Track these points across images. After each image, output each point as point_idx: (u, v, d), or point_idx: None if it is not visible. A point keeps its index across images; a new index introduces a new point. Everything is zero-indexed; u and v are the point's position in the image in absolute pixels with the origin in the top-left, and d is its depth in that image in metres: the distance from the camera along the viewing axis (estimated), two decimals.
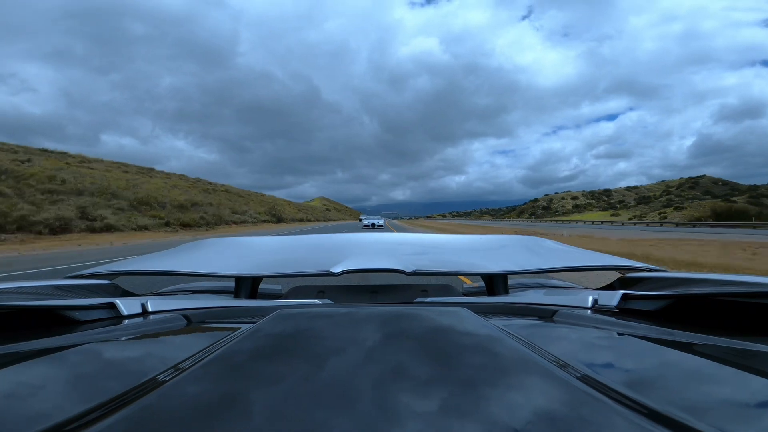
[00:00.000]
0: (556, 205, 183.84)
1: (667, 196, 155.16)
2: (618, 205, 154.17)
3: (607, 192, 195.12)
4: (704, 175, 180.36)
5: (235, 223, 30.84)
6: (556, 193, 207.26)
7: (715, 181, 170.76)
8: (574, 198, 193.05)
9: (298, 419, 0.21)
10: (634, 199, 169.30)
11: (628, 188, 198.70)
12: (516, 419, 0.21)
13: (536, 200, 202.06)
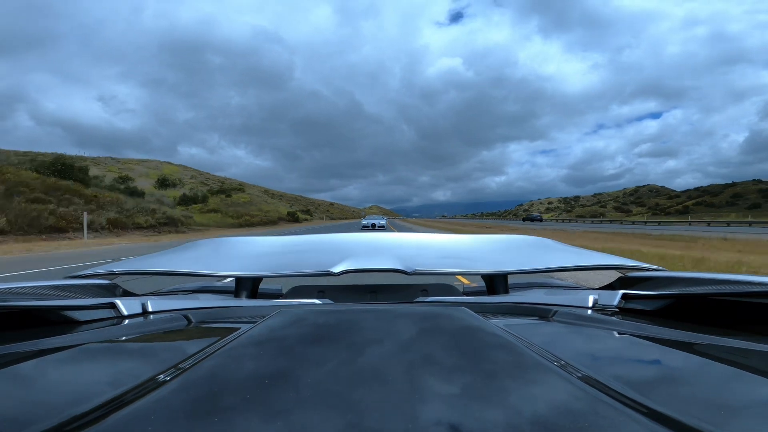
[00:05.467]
0: (534, 209, 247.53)
1: (614, 201, 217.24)
2: (577, 209, 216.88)
3: (576, 198, 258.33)
4: (647, 185, 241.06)
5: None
6: (538, 199, 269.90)
7: (651, 189, 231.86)
8: (550, 203, 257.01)
9: (302, 419, 0.21)
10: (593, 204, 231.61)
11: (594, 194, 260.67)
12: (515, 418, 0.21)
13: (521, 204, 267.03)
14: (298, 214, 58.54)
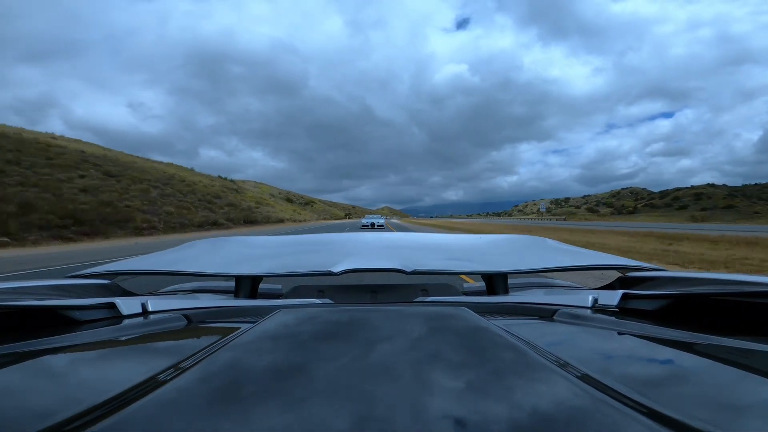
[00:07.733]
0: (529, 209, 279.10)
1: (597, 203, 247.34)
2: (567, 208, 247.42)
3: (567, 199, 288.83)
4: (630, 187, 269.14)
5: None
6: (533, 200, 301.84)
7: (632, 191, 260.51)
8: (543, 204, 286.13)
9: (307, 415, 0.21)
10: (583, 205, 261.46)
11: (583, 196, 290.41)
12: (515, 418, 0.21)
13: (517, 205, 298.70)
14: (349, 215, 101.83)
